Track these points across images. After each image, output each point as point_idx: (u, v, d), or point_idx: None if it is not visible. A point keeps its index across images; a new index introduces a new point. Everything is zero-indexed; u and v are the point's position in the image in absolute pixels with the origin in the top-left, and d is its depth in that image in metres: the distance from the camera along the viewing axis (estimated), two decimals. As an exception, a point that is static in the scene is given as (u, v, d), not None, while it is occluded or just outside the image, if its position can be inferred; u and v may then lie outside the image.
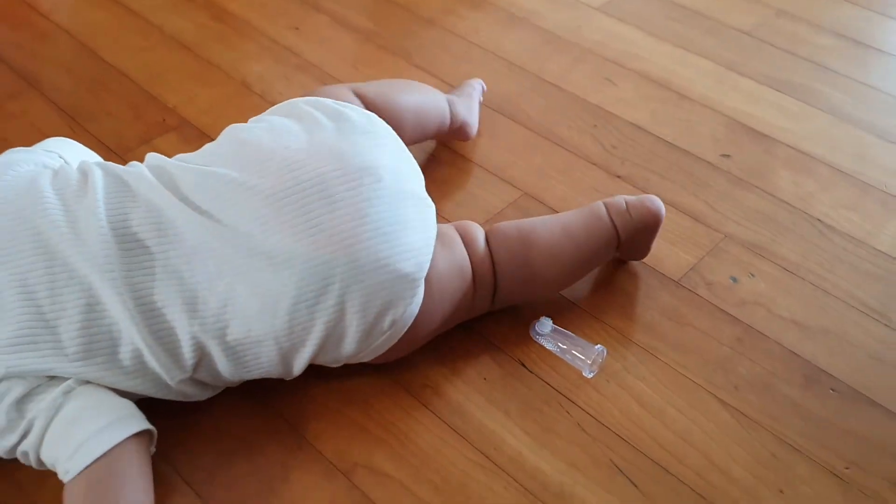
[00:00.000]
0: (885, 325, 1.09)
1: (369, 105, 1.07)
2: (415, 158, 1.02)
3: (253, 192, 0.89)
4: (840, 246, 1.19)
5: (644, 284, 1.13)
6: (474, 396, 1.00)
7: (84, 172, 0.93)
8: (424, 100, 1.23)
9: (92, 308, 0.84)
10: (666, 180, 1.29)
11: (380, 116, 1.03)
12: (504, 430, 0.97)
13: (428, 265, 0.93)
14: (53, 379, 0.85)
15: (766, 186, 1.28)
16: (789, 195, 1.27)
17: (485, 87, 1.40)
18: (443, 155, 1.33)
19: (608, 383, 1.02)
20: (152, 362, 0.86)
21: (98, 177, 0.91)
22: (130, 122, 1.38)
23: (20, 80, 1.46)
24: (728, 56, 1.55)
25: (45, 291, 0.84)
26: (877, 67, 1.54)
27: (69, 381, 0.85)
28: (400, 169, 0.95)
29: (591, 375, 1.02)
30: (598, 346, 1.04)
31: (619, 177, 1.29)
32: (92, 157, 1.07)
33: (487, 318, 1.07)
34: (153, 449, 0.89)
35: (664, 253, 1.17)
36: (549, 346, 1.05)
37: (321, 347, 0.90)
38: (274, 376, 0.94)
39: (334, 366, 0.97)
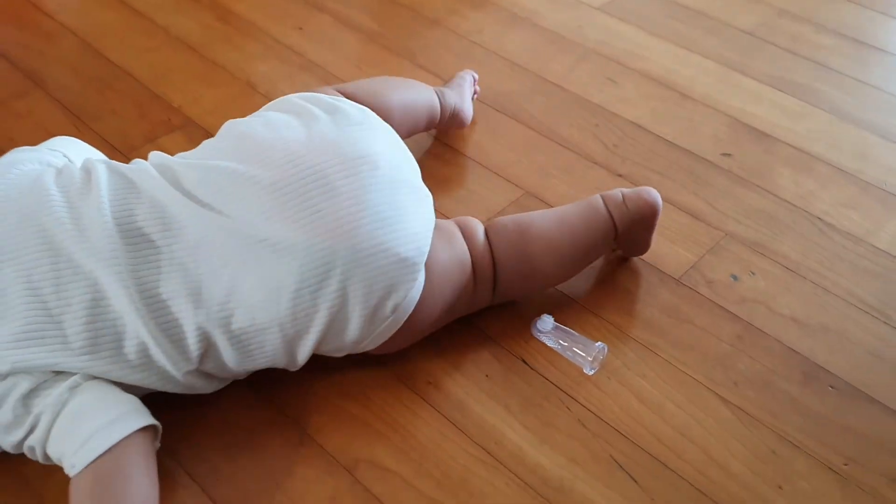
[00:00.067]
0: (885, 322, 1.09)
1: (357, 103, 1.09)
2: (417, 157, 1.03)
3: (254, 184, 0.90)
4: (840, 244, 1.20)
5: (645, 282, 1.14)
6: (475, 392, 1.01)
7: (87, 170, 0.94)
8: (411, 93, 1.25)
9: (97, 303, 0.85)
10: (667, 179, 1.30)
11: None
12: (505, 426, 0.98)
13: (427, 250, 0.95)
14: (59, 374, 0.86)
15: (766, 185, 1.29)
16: (790, 194, 1.28)
17: (476, 75, 1.42)
18: (445, 153, 1.34)
19: (609, 380, 1.03)
20: (158, 355, 0.87)
21: (102, 174, 0.93)
22: (136, 122, 1.39)
23: (26, 79, 1.47)
24: (729, 55, 1.56)
25: (50, 287, 0.85)
26: (878, 67, 1.55)
27: (75, 377, 0.86)
28: (396, 158, 0.97)
29: (591, 372, 1.03)
30: (599, 343, 1.04)
31: (620, 175, 1.30)
32: (96, 155, 1.08)
33: (488, 314, 1.08)
34: (158, 444, 0.90)
35: (665, 251, 1.17)
36: (550, 343, 1.06)
37: (325, 334, 0.91)
38: (279, 366, 0.95)
39: (338, 355, 0.98)
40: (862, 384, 1.02)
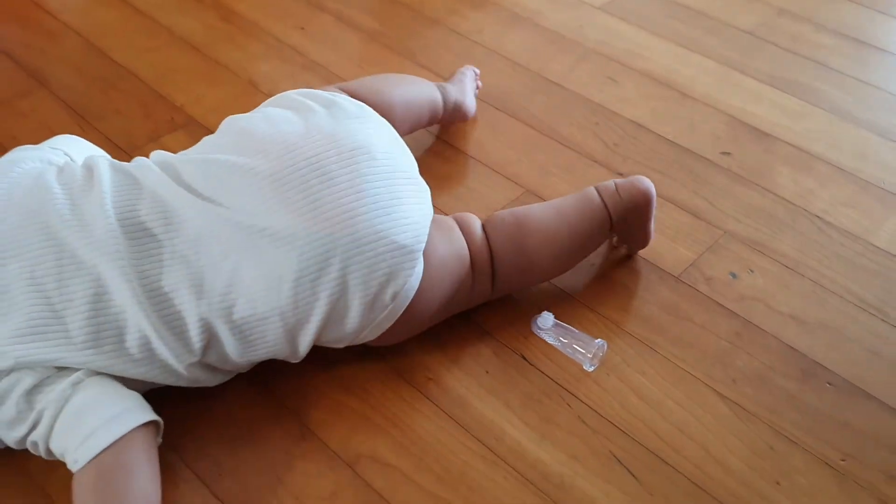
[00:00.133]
0: (882, 320, 1.10)
1: (358, 100, 1.09)
2: (417, 154, 1.04)
3: (254, 175, 0.91)
4: (838, 242, 1.20)
5: (644, 280, 1.15)
6: (475, 388, 1.02)
7: (89, 168, 0.95)
8: (412, 89, 1.26)
9: (99, 297, 0.86)
10: (667, 177, 1.30)
11: None
12: (505, 422, 0.99)
13: (426, 238, 0.96)
14: (62, 370, 0.87)
15: (765, 184, 1.30)
16: (789, 192, 1.28)
17: (477, 70, 1.43)
18: (445, 151, 1.35)
19: (608, 376, 1.03)
20: (161, 348, 0.87)
21: (104, 171, 0.94)
22: (139, 121, 1.40)
23: (30, 78, 1.48)
24: (729, 55, 1.57)
25: (53, 283, 0.86)
26: (877, 66, 1.55)
27: (78, 373, 0.87)
28: (392, 151, 0.99)
29: (591, 369, 1.04)
30: (599, 340, 1.05)
31: (620, 174, 1.30)
32: (98, 153, 1.09)
33: (488, 311, 1.09)
34: (160, 440, 0.90)
35: (664, 249, 1.18)
36: (550, 339, 1.06)
37: (326, 323, 0.92)
38: (280, 357, 0.96)
39: (339, 346, 0.99)
40: (860, 381, 1.03)
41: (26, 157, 0.98)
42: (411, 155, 1.03)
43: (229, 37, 1.60)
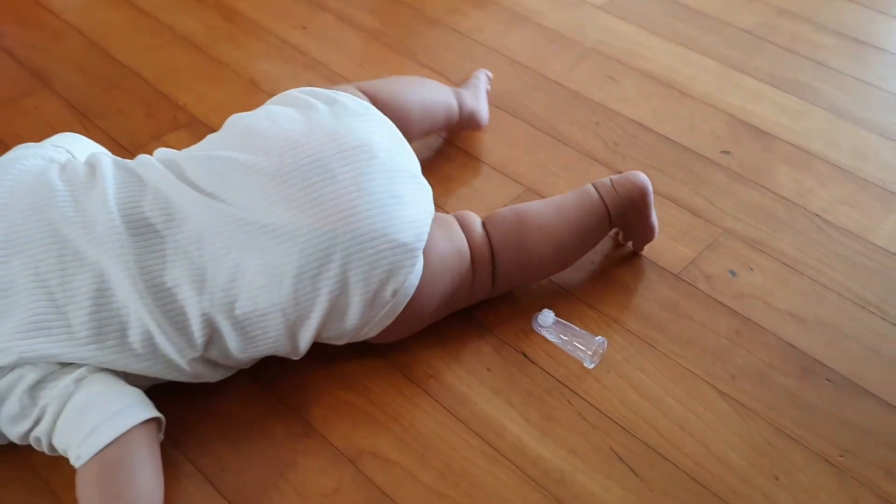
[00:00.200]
0: (881, 317, 1.11)
1: (375, 101, 1.10)
2: (418, 153, 1.05)
3: (256, 171, 0.92)
4: (838, 241, 1.21)
5: (644, 278, 1.15)
6: (476, 385, 1.02)
7: (92, 165, 0.96)
8: (430, 93, 1.26)
9: (102, 293, 0.87)
10: (667, 176, 1.31)
11: (386, 111, 1.06)
12: (506, 419, 0.99)
13: (426, 237, 0.96)
14: (65, 366, 0.88)
15: (765, 182, 1.30)
16: (788, 191, 1.29)
17: (490, 74, 1.43)
18: (446, 150, 1.35)
19: (608, 373, 1.04)
20: (163, 342, 0.88)
21: (107, 168, 0.94)
22: (142, 120, 1.40)
23: (33, 77, 1.48)
24: (729, 54, 1.57)
25: (56, 279, 0.87)
26: (877, 66, 1.56)
27: (81, 370, 0.87)
28: (393, 149, 0.99)
29: (592, 366, 1.04)
30: (599, 337, 1.06)
31: (620, 173, 1.30)
32: (100, 151, 1.09)
33: (489, 308, 1.09)
34: (162, 436, 0.91)
35: (664, 247, 1.19)
36: (550, 337, 1.07)
37: (326, 319, 0.92)
38: (282, 354, 0.96)
39: (339, 343, 0.99)
40: (858, 378, 1.04)
41: (28, 155, 0.99)
42: (413, 153, 1.03)
43: (231, 36, 1.60)
